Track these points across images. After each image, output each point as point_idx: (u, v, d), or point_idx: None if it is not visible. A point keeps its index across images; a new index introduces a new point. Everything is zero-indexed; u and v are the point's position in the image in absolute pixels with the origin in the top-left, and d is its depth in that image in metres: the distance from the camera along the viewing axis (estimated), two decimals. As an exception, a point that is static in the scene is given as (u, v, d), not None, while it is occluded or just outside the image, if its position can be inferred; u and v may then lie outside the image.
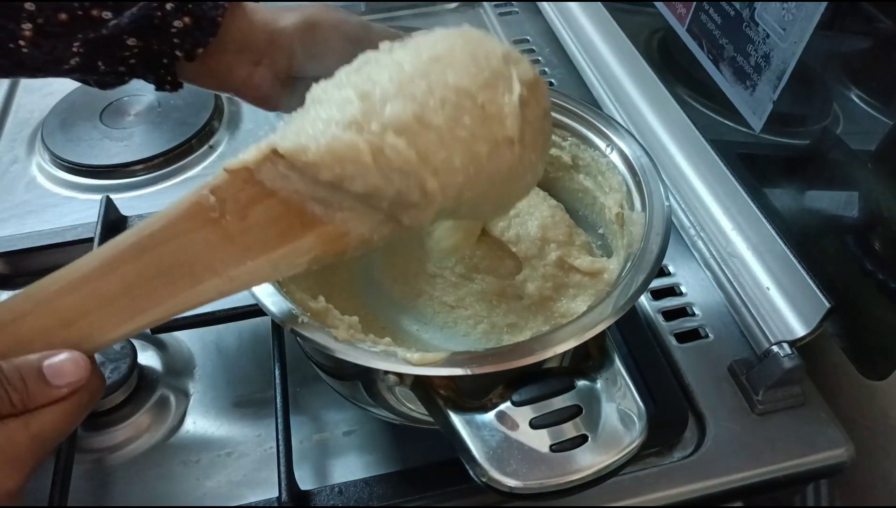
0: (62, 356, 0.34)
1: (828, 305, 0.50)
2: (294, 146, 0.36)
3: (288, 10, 0.53)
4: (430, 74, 0.36)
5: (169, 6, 0.48)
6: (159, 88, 0.53)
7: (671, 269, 0.62)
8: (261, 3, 0.53)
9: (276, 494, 0.46)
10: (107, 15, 0.47)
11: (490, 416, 0.37)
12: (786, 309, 0.54)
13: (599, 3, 0.83)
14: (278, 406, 0.49)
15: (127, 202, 0.67)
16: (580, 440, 0.36)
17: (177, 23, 0.48)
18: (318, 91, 0.39)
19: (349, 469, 0.51)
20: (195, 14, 0.49)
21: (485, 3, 0.96)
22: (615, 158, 0.49)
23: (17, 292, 0.38)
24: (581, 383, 0.38)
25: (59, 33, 0.46)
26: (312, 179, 0.36)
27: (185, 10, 0.48)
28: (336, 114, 0.36)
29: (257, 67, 0.52)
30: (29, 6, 0.45)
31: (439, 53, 0.37)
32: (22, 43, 0.46)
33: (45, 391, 0.34)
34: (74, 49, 0.47)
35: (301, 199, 0.37)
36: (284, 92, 0.53)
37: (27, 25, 0.45)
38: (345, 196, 0.37)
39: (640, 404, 0.37)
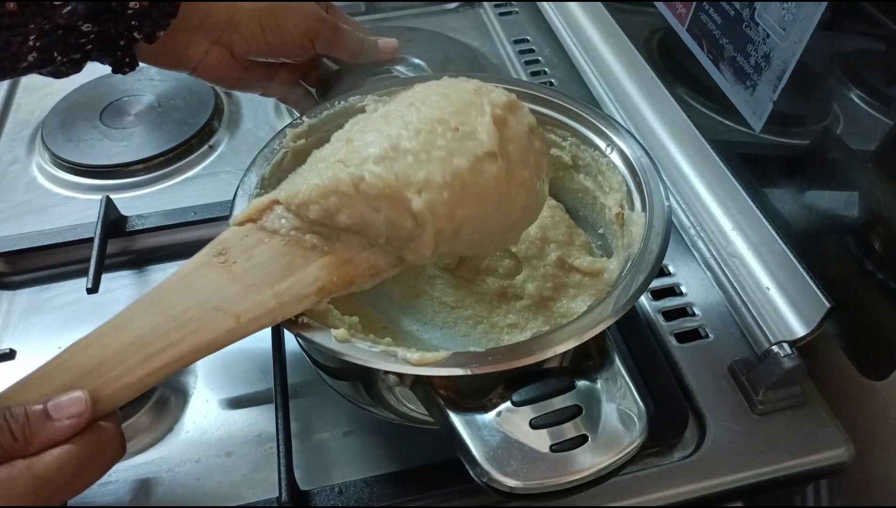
0: (65, 394, 0.35)
1: (828, 305, 0.50)
2: (288, 193, 0.39)
3: None
4: (406, 116, 0.39)
5: None
6: (117, 70, 0.52)
7: (671, 269, 0.62)
8: None
9: (276, 494, 0.46)
10: (58, 1, 0.45)
11: (490, 416, 0.37)
12: (786, 309, 0.54)
13: (599, 3, 0.83)
14: (278, 406, 0.49)
15: (127, 202, 0.67)
16: (580, 440, 0.36)
17: (132, 3, 0.47)
18: (317, 152, 0.42)
19: (349, 469, 0.51)
20: None
21: (485, 3, 0.96)
22: (615, 157, 0.49)
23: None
24: (581, 383, 0.38)
25: (9, 25, 0.45)
26: (306, 219, 0.38)
27: None
28: (326, 160, 0.39)
29: (214, 45, 0.52)
30: None
31: (415, 100, 0.40)
32: None
33: (46, 424, 0.34)
34: (31, 43, 0.46)
35: (301, 233, 0.39)
36: (243, 73, 0.52)
37: None
38: (340, 232, 0.39)
39: (641, 404, 0.37)
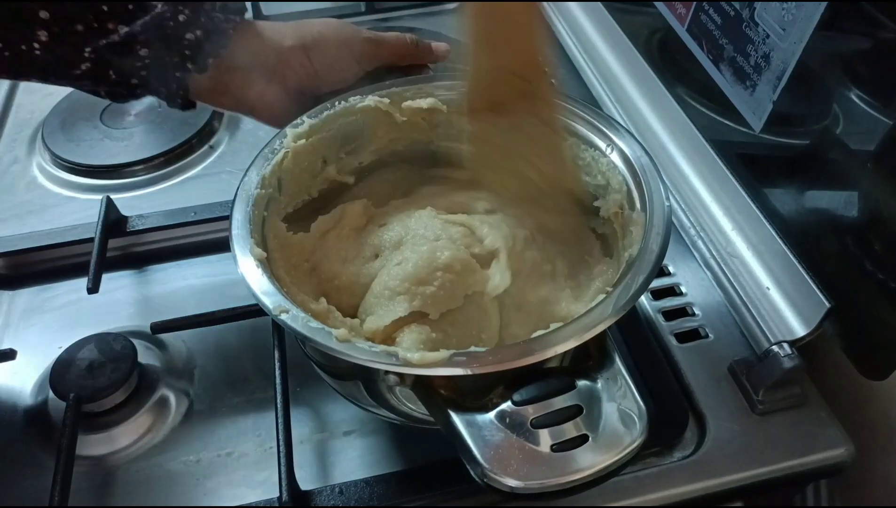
0: None
1: (828, 305, 0.50)
2: None
3: (296, 27, 0.54)
4: None
5: (181, 17, 0.49)
6: (171, 103, 0.53)
7: (671, 269, 0.62)
8: (269, 22, 0.54)
9: (277, 494, 0.46)
10: (122, 28, 0.48)
11: (491, 416, 0.37)
12: (786, 309, 0.54)
13: (599, 3, 0.83)
14: (278, 406, 0.49)
15: (127, 202, 0.67)
16: (581, 440, 0.36)
17: (188, 35, 0.49)
18: None
19: (349, 469, 0.51)
20: (206, 27, 0.50)
21: (485, 4, 0.96)
22: (615, 157, 0.49)
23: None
24: (582, 383, 0.38)
25: (73, 42, 0.47)
26: None
27: (197, 22, 0.49)
28: None
29: (269, 84, 0.53)
30: (43, 15, 0.46)
31: None
32: (36, 46, 0.46)
33: None
34: (86, 55, 0.47)
35: None
36: (296, 109, 0.53)
37: (42, 32, 0.46)
38: None
39: (641, 404, 0.37)
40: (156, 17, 0.48)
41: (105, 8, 0.47)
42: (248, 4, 0.90)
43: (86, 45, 0.47)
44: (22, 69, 0.48)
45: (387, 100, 0.53)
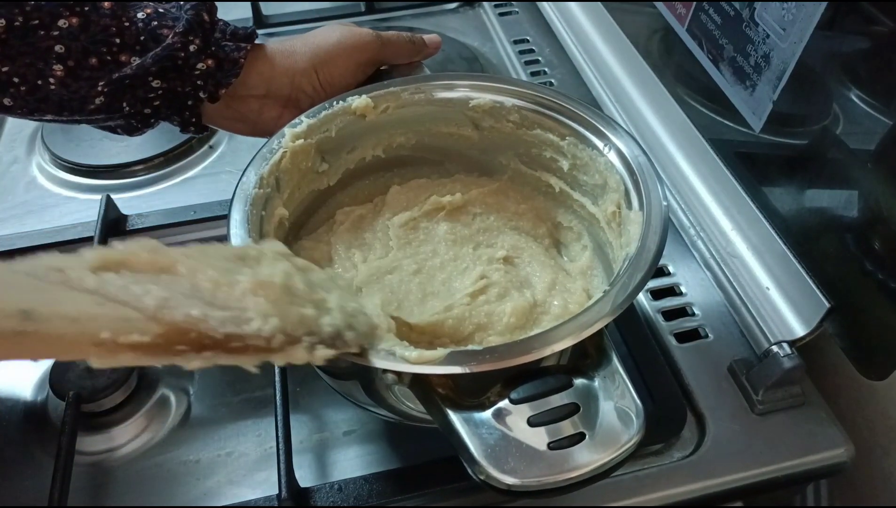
0: None
1: (828, 305, 0.50)
2: None
3: (304, 45, 0.54)
4: None
5: (192, 48, 0.49)
6: (184, 129, 0.54)
7: (671, 269, 0.62)
8: (277, 44, 0.55)
9: (276, 492, 0.46)
10: (134, 60, 0.48)
11: (488, 414, 0.37)
12: (786, 309, 0.54)
13: (599, 3, 0.83)
14: (278, 405, 0.49)
15: (127, 202, 0.67)
16: (578, 437, 0.36)
17: (200, 65, 0.50)
18: None
19: (349, 467, 0.51)
20: (218, 56, 0.50)
21: (485, 4, 0.97)
22: (613, 157, 0.49)
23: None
24: (579, 381, 0.38)
25: (88, 76, 0.48)
26: None
27: (208, 52, 0.50)
28: None
29: (285, 109, 0.54)
30: (59, 49, 0.47)
31: None
32: (51, 81, 0.47)
33: None
34: (99, 88, 0.48)
35: None
36: None
37: (58, 66, 0.47)
38: None
39: (638, 402, 0.37)
40: (167, 48, 0.49)
41: (117, 41, 0.48)
42: (248, 5, 0.90)
43: (100, 78, 0.48)
44: (38, 105, 0.49)
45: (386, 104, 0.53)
